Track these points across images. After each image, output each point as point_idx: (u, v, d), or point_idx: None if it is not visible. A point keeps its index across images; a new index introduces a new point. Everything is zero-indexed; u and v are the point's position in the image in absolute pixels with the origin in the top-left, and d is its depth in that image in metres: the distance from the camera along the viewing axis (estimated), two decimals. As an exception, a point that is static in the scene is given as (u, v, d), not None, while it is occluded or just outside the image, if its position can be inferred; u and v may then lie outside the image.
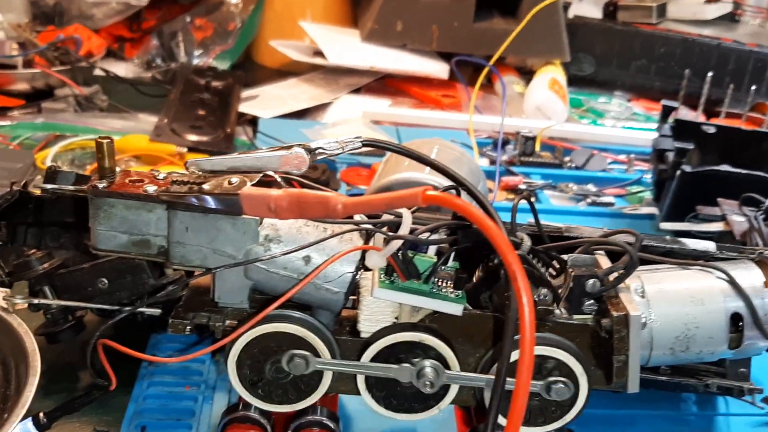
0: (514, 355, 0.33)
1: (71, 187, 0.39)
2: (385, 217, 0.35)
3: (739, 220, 0.52)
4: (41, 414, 0.33)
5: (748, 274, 0.35)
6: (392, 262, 0.33)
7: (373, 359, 0.34)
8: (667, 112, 0.66)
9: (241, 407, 0.36)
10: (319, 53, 0.84)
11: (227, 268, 0.33)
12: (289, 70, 0.90)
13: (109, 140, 0.33)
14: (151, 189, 0.33)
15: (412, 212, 0.35)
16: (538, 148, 0.73)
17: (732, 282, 0.35)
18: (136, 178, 0.34)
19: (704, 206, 0.57)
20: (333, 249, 0.33)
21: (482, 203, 0.34)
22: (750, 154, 0.64)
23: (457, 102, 0.82)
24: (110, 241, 0.34)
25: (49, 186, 0.40)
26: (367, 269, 0.35)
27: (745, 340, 0.35)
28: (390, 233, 0.33)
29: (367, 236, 0.35)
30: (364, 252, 0.34)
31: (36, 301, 0.39)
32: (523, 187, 0.68)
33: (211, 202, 0.32)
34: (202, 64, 0.86)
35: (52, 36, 0.77)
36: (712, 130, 0.65)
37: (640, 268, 0.37)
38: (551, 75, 0.82)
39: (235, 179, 0.32)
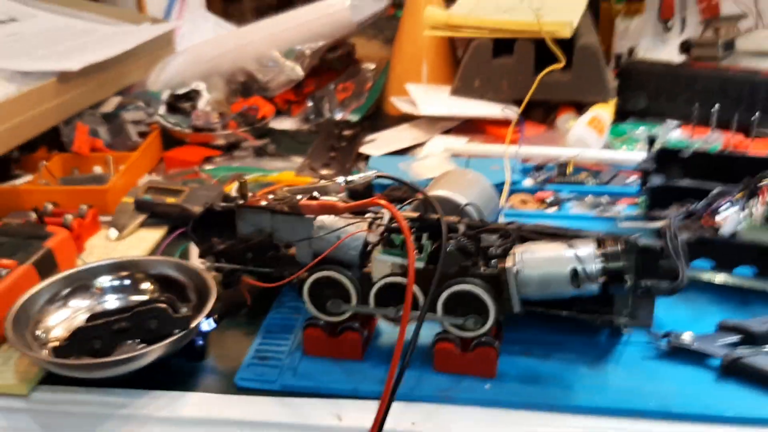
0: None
1: (232, 205, 0.73)
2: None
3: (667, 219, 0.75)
4: (214, 316, 0.67)
5: (585, 246, 0.61)
6: (382, 239, 0.63)
7: (377, 292, 0.64)
8: (651, 140, 0.88)
9: (313, 317, 0.67)
10: (422, 106, 1.14)
11: (300, 242, 0.65)
12: (407, 117, 1.21)
13: (244, 180, 0.67)
14: (263, 203, 0.65)
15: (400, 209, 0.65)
16: (570, 170, 0.98)
17: (574, 251, 0.60)
18: (258, 198, 0.67)
19: (656, 211, 0.80)
20: (350, 231, 0.64)
21: (433, 205, 0.63)
22: (723, 171, 0.84)
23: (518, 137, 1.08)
24: (245, 230, 0.67)
25: (222, 204, 0.74)
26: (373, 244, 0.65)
27: (582, 285, 0.60)
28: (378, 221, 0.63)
29: (370, 224, 0.65)
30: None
31: (216, 265, 0.73)
32: (550, 199, 0.94)
33: (287, 210, 0.64)
34: (342, 117, 1.20)
35: (240, 107, 1.15)
36: (687, 154, 0.87)
37: (530, 243, 0.63)
38: (595, 113, 1.05)
39: (299, 197, 0.64)
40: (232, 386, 0.64)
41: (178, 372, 0.66)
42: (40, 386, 0.64)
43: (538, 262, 0.61)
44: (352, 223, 0.64)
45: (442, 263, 0.60)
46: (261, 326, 0.71)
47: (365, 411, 0.61)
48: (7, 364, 0.65)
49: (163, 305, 0.62)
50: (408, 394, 0.62)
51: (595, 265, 0.60)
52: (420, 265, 0.62)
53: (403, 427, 0.60)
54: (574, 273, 0.60)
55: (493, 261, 0.62)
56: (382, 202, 0.59)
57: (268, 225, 0.66)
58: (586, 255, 0.60)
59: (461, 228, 0.63)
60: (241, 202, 0.66)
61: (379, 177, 0.66)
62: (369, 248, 0.65)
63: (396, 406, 0.60)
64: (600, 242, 0.62)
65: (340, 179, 0.65)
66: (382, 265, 0.63)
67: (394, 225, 0.63)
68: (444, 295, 0.62)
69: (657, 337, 0.67)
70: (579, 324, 0.69)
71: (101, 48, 1.09)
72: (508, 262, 0.61)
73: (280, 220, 0.65)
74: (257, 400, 0.63)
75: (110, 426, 0.61)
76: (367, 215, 0.65)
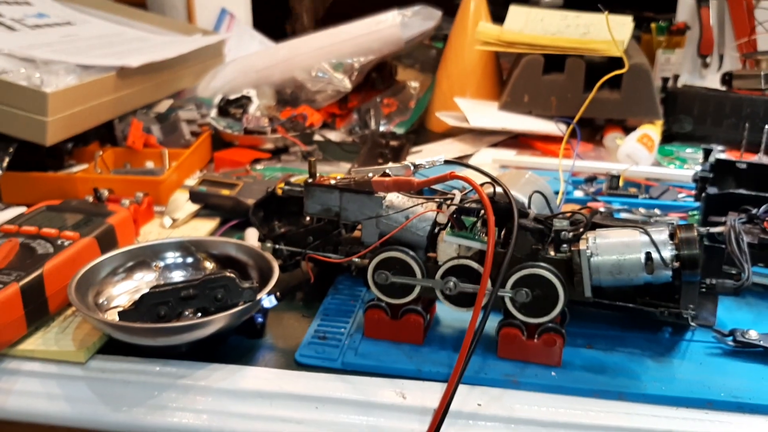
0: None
1: (295, 189, 0.74)
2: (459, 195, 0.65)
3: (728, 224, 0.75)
4: (276, 293, 0.66)
5: (659, 233, 0.60)
6: (451, 220, 0.63)
7: (443, 275, 0.63)
8: (707, 152, 0.88)
9: (375, 299, 0.66)
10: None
11: (367, 221, 0.65)
12: (450, 134, 1.22)
13: (314, 159, 0.67)
14: (332, 182, 0.66)
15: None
16: (621, 183, 0.98)
17: (648, 236, 0.60)
18: (326, 178, 0.67)
19: (715, 216, 0.79)
20: (419, 211, 0.64)
21: (506, 191, 0.63)
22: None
23: (569, 153, 1.09)
24: (312, 209, 0.67)
25: (285, 187, 0.74)
26: (441, 226, 0.64)
27: (656, 270, 0.59)
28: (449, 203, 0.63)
29: (439, 205, 0.64)
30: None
31: (276, 247, 0.73)
32: (602, 209, 0.93)
33: (356, 188, 0.64)
34: (386, 130, 1.21)
35: (289, 113, 1.16)
36: (743, 166, 0.87)
37: (602, 229, 0.63)
38: (644, 131, 1.06)
39: (371, 174, 0.64)
40: (292, 363, 0.63)
41: (237, 348, 0.65)
42: (97, 355, 0.64)
43: (612, 246, 0.60)
44: (421, 204, 0.64)
45: (514, 245, 0.60)
46: (318, 310, 0.71)
47: (429, 391, 0.60)
48: (66, 332, 0.65)
49: (232, 275, 0.62)
50: (473, 378, 0.61)
51: (669, 251, 0.59)
52: (484, 247, 0.62)
53: (469, 408, 0.59)
54: (648, 258, 0.59)
55: (563, 246, 0.62)
56: (461, 174, 0.59)
57: (336, 204, 0.66)
58: (660, 240, 0.60)
59: (531, 213, 0.63)
60: (311, 180, 0.66)
61: (448, 162, 0.66)
62: (437, 230, 0.64)
63: (461, 389, 0.59)
64: (673, 230, 0.61)
65: (407, 162, 0.65)
66: (448, 247, 0.63)
67: (464, 206, 0.63)
68: (513, 278, 0.61)
69: (722, 335, 0.66)
70: (641, 321, 0.68)
71: (158, 50, 1.11)
72: (581, 245, 0.60)
73: (348, 199, 0.65)
74: (319, 376, 0.62)
75: (168, 396, 0.60)
76: (437, 197, 0.65)
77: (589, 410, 0.58)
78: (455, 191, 0.64)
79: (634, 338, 0.67)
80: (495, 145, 1.13)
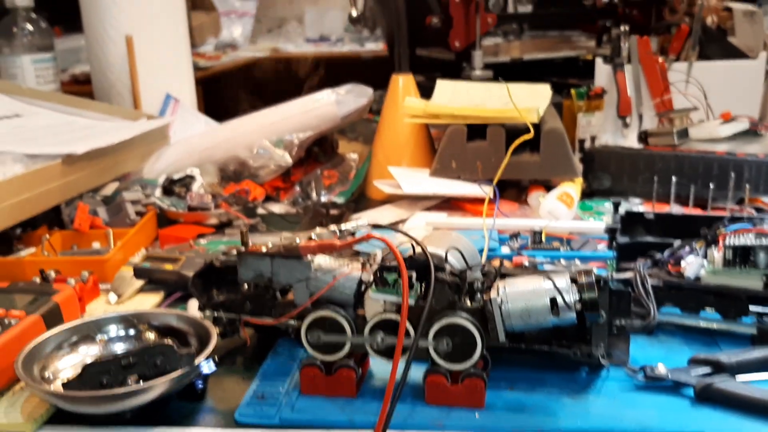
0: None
1: (231, 258, 0.78)
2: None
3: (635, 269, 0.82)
4: (214, 357, 0.70)
5: (563, 279, 0.66)
6: (375, 277, 0.68)
7: (371, 330, 0.68)
8: (616, 205, 0.95)
9: (310, 357, 0.71)
10: (403, 187, 1.22)
11: (297, 284, 0.70)
12: (388, 200, 1.28)
13: (245, 229, 0.72)
14: (264, 250, 0.71)
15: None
16: (544, 238, 1.04)
17: (552, 282, 0.66)
18: (258, 246, 0.72)
19: (626, 263, 0.86)
20: (345, 271, 0.69)
21: (423, 249, 0.69)
22: (683, 230, 0.92)
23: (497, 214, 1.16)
24: (246, 276, 0.71)
25: (222, 258, 0.79)
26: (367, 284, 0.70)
27: (561, 313, 0.65)
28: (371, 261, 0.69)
29: (363, 265, 0.70)
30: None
31: (215, 315, 0.77)
32: (527, 263, 1.00)
33: (286, 254, 0.69)
34: (327, 200, 1.27)
35: (232, 189, 1.21)
36: (651, 216, 0.94)
37: (510, 278, 0.68)
38: (564, 189, 1.14)
39: (298, 240, 0.69)
40: (231, 422, 0.67)
41: (179, 412, 0.68)
42: (46, 426, 0.67)
43: (520, 293, 0.66)
44: (347, 265, 0.69)
45: (432, 297, 0.65)
46: (258, 372, 0.74)
47: (361, 440, 0.64)
48: (14, 405, 0.68)
49: (169, 343, 0.66)
50: (402, 424, 0.65)
51: (572, 295, 0.65)
52: (410, 302, 0.67)
53: (399, 453, 0.63)
54: (553, 302, 0.65)
55: (477, 296, 0.68)
56: (377, 234, 0.64)
57: (267, 269, 0.71)
58: (563, 285, 0.66)
59: (448, 267, 0.69)
60: (243, 249, 0.71)
61: (373, 226, 0.71)
62: (363, 288, 0.70)
63: (391, 435, 0.63)
64: (574, 276, 0.67)
65: (333, 228, 0.71)
66: (375, 303, 0.68)
67: (386, 264, 0.68)
68: (434, 328, 0.66)
69: (633, 371, 0.71)
70: (559, 362, 0.74)
71: (103, 137, 1.16)
72: (492, 294, 0.66)
73: (279, 264, 0.70)
74: (257, 432, 0.65)
75: (114, 462, 0.63)
76: (362, 257, 0.71)
77: (510, 447, 0.63)
78: (377, 251, 0.70)
79: (553, 379, 0.72)
80: (429, 208, 1.19)
